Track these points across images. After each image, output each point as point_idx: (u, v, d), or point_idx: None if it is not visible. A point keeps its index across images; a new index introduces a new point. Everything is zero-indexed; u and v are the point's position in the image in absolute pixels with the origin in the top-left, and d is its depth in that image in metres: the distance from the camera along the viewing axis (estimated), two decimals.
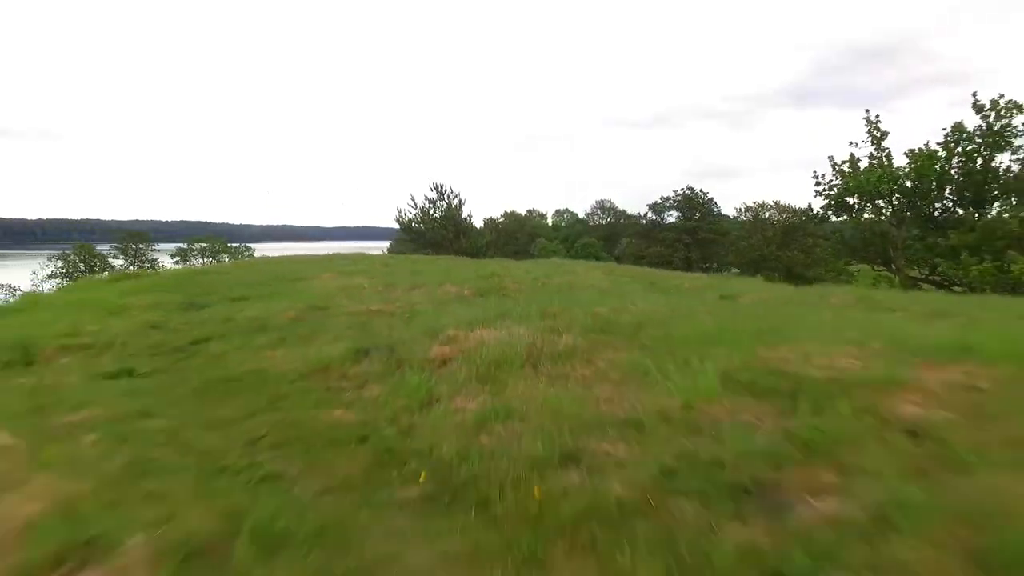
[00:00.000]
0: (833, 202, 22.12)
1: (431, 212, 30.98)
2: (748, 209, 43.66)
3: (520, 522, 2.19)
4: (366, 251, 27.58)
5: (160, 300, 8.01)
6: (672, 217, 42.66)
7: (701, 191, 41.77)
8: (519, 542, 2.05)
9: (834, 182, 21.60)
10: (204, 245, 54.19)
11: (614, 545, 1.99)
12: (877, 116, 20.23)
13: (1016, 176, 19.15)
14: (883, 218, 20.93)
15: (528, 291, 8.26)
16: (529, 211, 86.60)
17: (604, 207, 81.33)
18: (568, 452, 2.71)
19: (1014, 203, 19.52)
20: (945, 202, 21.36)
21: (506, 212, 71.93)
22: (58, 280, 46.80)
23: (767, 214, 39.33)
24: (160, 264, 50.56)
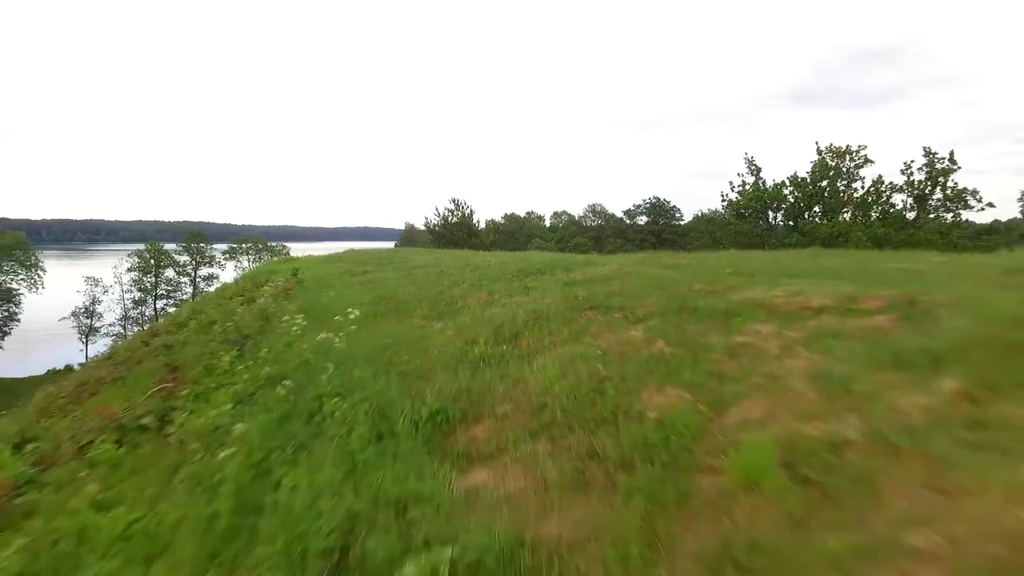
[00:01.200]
0: (733, 213, 32.72)
1: (450, 219, 41.67)
2: (704, 214, 54.32)
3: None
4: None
5: (354, 264, 18.43)
6: (643, 220, 53.33)
7: (665, 200, 52.60)
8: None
9: (732, 199, 32.21)
10: (249, 245, 64.72)
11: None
12: (753, 156, 30.87)
13: (842, 198, 29.73)
14: (760, 225, 31.52)
15: (509, 257, 18.73)
16: (528, 213, 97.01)
17: (595, 210, 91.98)
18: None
19: (847, 217, 30.11)
20: (810, 214, 31.94)
21: (506, 215, 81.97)
22: (136, 273, 57.36)
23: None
24: (218, 260, 61.16)
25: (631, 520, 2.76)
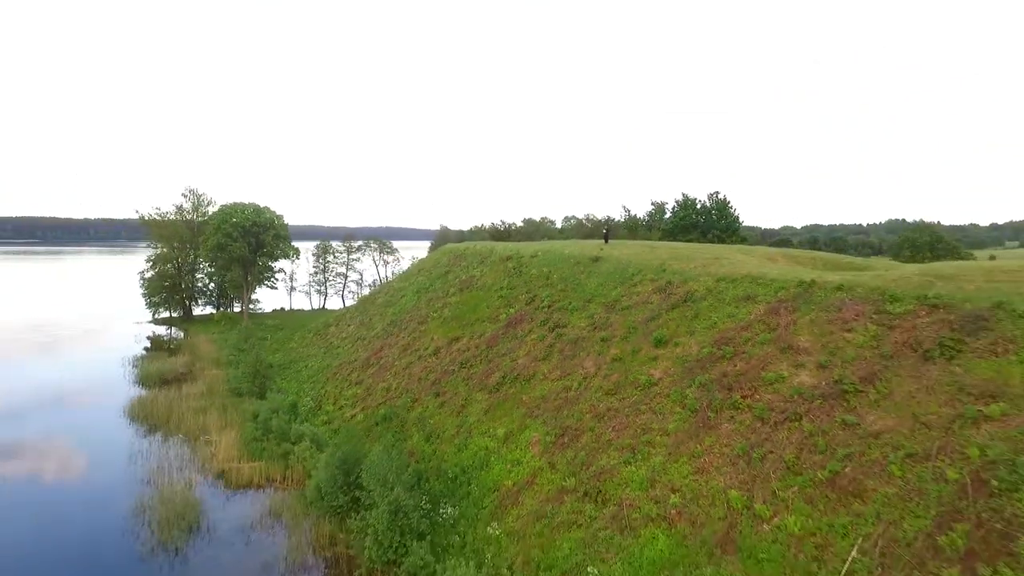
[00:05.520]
0: (622, 228, 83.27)
1: (500, 227, 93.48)
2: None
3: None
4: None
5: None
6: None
7: (611, 217, 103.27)
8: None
9: (617, 221, 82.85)
10: (372, 241, 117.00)
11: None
12: (625, 204, 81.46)
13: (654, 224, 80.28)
14: (634, 232, 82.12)
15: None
16: (543, 218, 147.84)
17: (588, 218, 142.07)
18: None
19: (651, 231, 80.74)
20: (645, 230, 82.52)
21: (525, 219, 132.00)
22: (315, 257, 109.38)
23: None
24: (363, 248, 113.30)
25: None
